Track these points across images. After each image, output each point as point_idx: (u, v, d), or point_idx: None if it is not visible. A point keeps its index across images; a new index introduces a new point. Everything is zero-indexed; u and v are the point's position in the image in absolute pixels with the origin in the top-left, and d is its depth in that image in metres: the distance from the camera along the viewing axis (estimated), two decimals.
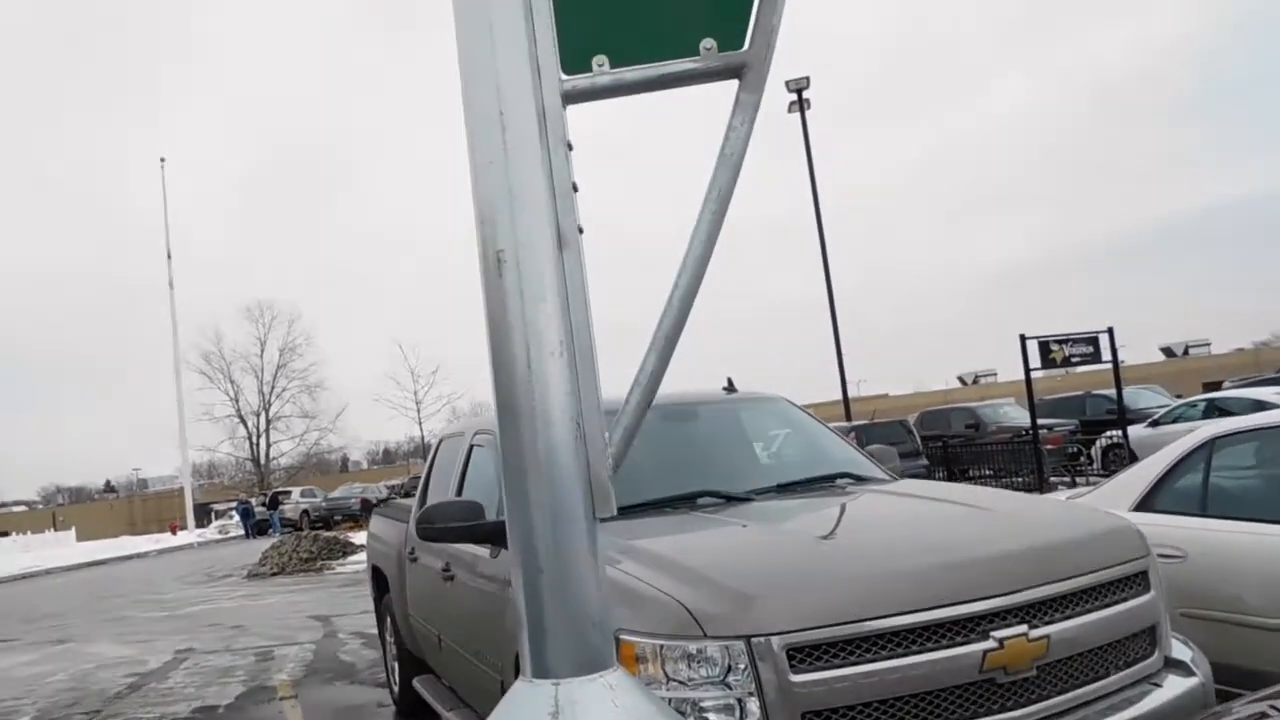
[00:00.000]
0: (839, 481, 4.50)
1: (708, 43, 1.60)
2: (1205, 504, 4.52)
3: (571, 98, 1.63)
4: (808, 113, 26.53)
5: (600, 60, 1.63)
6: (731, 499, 4.10)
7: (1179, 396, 25.39)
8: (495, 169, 1.58)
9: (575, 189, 1.62)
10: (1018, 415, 25.41)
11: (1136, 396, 24.85)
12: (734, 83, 1.59)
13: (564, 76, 1.63)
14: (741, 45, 1.59)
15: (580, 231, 1.62)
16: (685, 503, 4.08)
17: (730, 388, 5.34)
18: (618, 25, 1.64)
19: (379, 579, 7.20)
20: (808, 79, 26.49)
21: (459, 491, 5.15)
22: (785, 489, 4.34)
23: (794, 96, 26.52)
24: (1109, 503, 4.72)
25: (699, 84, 1.62)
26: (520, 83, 1.59)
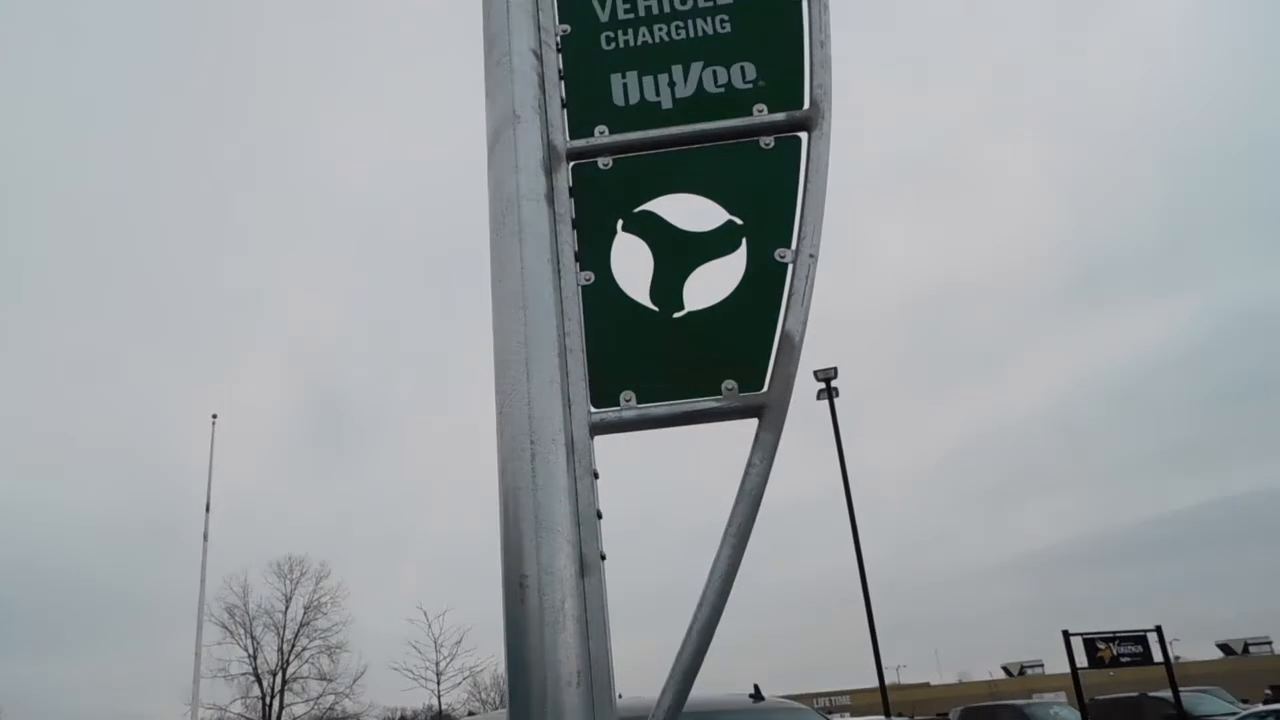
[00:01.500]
0: None
1: (729, 383, 1.71)
2: None
3: (599, 429, 1.73)
4: (836, 400, 27.10)
5: (628, 396, 1.74)
6: None
7: (1245, 701, 23.75)
8: (523, 496, 1.64)
9: (599, 516, 1.67)
10: (1070, 717, 23.80)
11: (1198, 701, 23.27)
12: (754, 421, 1.68)
13: (593, 410, 1.73)
14: (761, 387, 1.70)
15: (603, 558, 1.65)
16: None
17: (757, 695, 5.10)
18: (645, 364, 1.76)
19: None
20: (835, 369, 27.28)
21: None
22: None
23: (822, 385, 27.23)
24: None
25: (720, 421, 1.71)
26: (551, 415, 1.69)
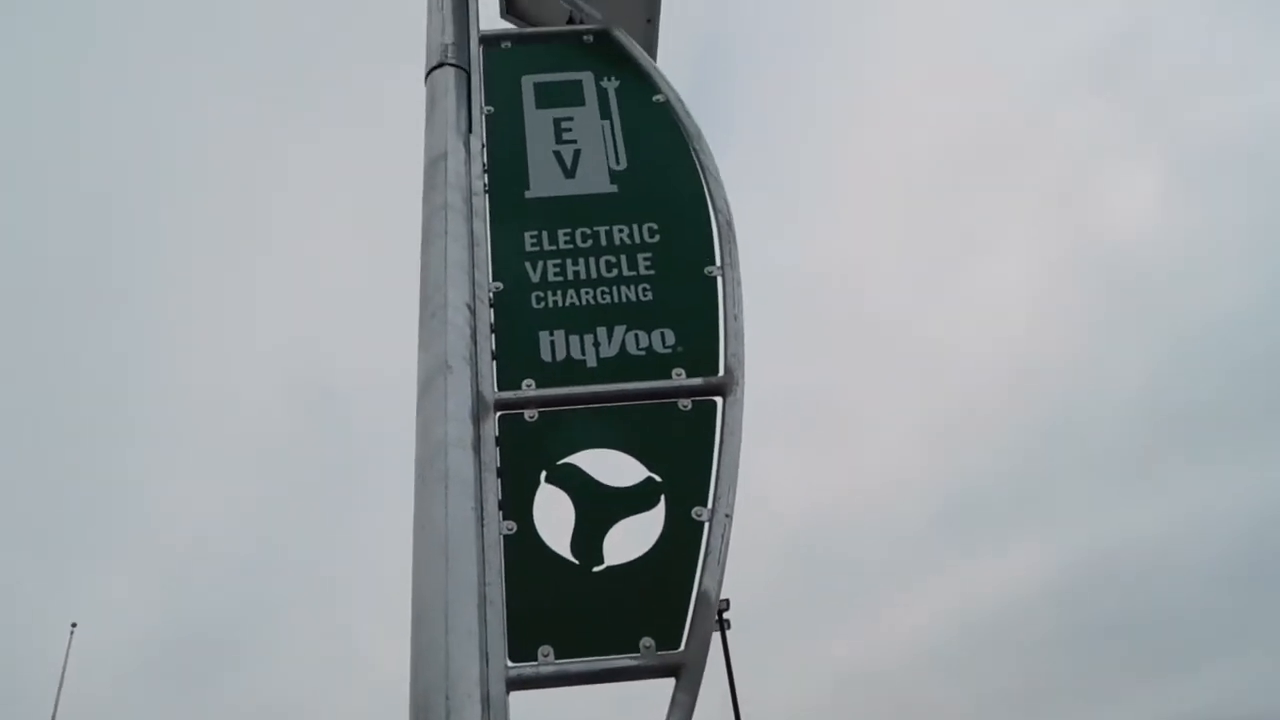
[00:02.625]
0: None
1: (647, 641, 1.74)
2: None
3: (515, 684, 1.71)
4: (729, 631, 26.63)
5: (545, 650, 1.74)
6: None
7: None
8: None
9: None
10: None
11: None
12: (671, 681, 1.70)
13: (510, 664, 1.72)
14: (679, 645, 1.73)
15: None
16: None
17: None
18: (564, 618, 1.79)
19: None
20: (727, 601, 26.96)
21: None
22: None
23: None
24: None
25: (637, 679, 1.72)
26: (468, 669, 1.66)
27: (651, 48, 3.48)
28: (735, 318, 2.16)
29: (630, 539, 1.87)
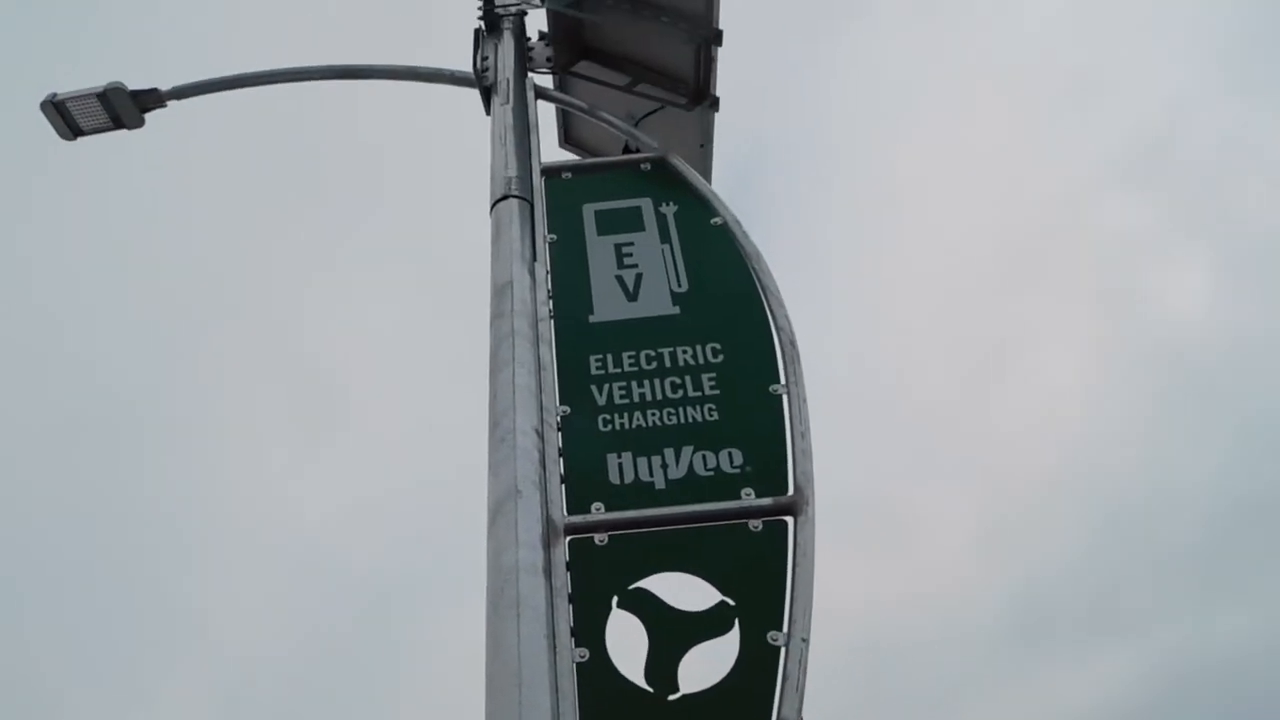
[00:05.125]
0: None
1: None
2: None
3: None
4: None
5: None
6: None
7: None
8: None
9: None
10: None
11: None
12: None
13: None
14: None
15: None
16: None
17: None
18: None
19: None
20: None
21: None
22: None
23: None
24: None
25: None
26: None
27: (706, 170, 3.59)
28: (803, 435, 2.15)
29: (705, 665, 1.84)
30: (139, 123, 3.99)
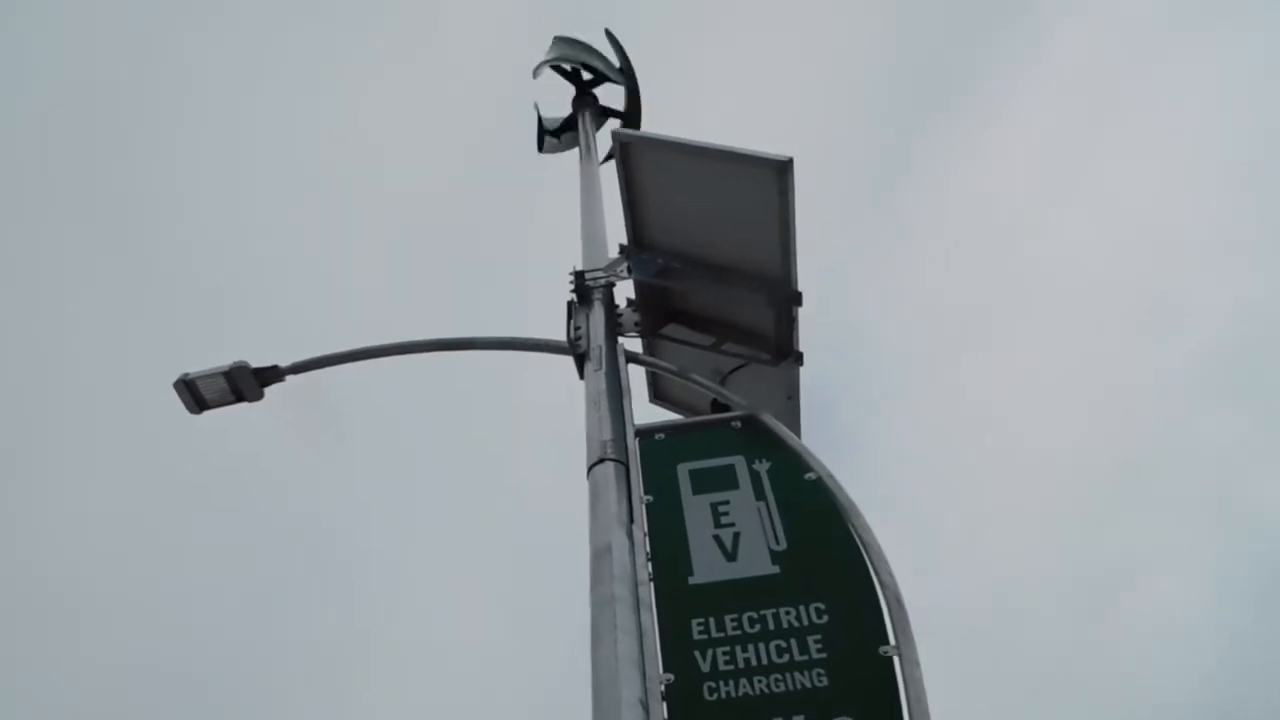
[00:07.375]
0: None
1: None
2: None
3: None
4: None
5: None
6: None
7: None
8: None
9: None
10: None
11: None
12: None
13: None
14: None
15: None
16: None
17: None
18: None
19: None
20: None
21: None
22: None
23: None
24: None
25: None
26: None
27: (795, 422, 3.67)
28: (918, 699, 2.06)
29: None
30: (259, 396, 4.29)
